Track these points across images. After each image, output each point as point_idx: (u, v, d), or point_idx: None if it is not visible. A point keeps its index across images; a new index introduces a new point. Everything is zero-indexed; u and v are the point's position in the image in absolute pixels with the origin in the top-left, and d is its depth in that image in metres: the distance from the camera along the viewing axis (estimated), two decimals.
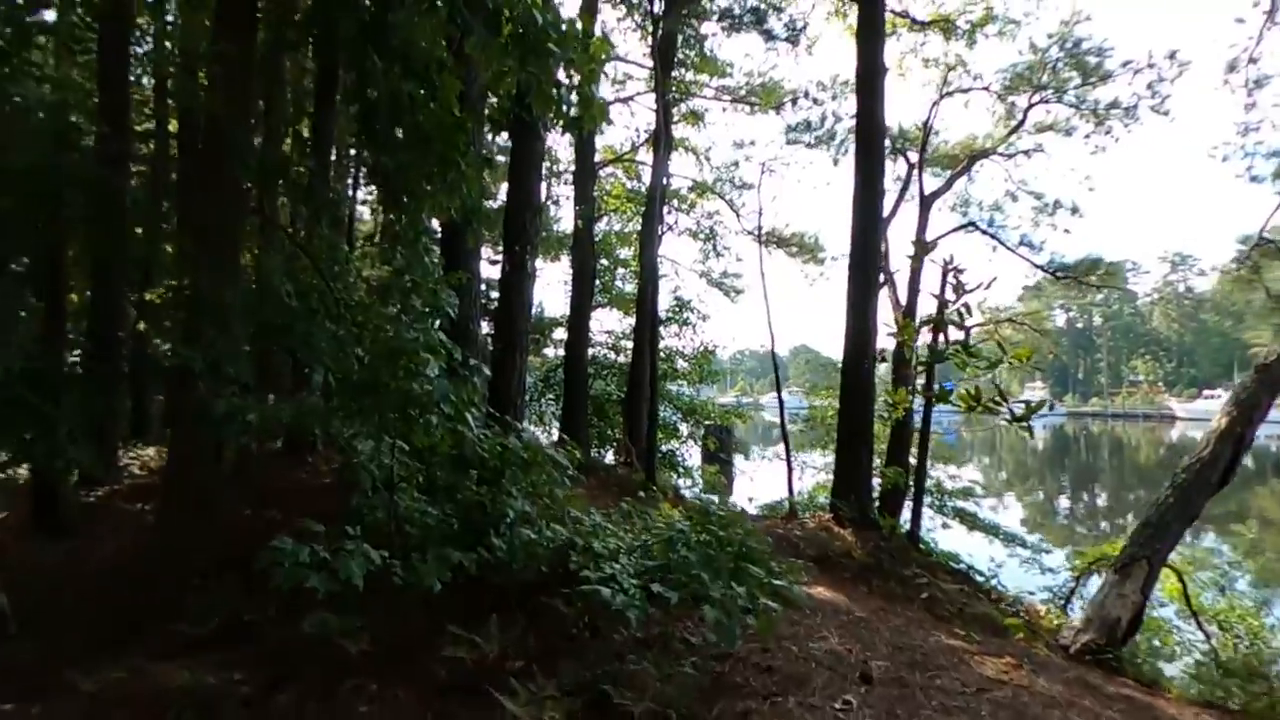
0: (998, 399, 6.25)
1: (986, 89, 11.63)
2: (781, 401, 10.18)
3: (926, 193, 10.92)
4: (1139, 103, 12.11)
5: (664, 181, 12.32)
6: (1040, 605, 7.06)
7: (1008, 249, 11.05)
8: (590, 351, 14.76)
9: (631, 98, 15.38)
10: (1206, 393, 73.20)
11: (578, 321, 12.94)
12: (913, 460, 8.99)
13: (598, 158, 14.52)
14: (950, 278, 6.73)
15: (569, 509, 4.19)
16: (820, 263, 16.72)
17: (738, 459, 18.62)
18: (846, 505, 7.41)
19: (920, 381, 7.61)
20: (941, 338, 6.71)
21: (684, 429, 16.04)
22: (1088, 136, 12.92)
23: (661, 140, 11.14)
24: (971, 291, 6.65)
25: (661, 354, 14.36)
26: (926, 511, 10.77)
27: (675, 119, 14.50)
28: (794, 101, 15.55)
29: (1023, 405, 6.30)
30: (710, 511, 3.97)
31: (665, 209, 13.24)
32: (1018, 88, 11.79)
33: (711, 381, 15.87)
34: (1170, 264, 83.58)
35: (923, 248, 6.80)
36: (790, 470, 9.47)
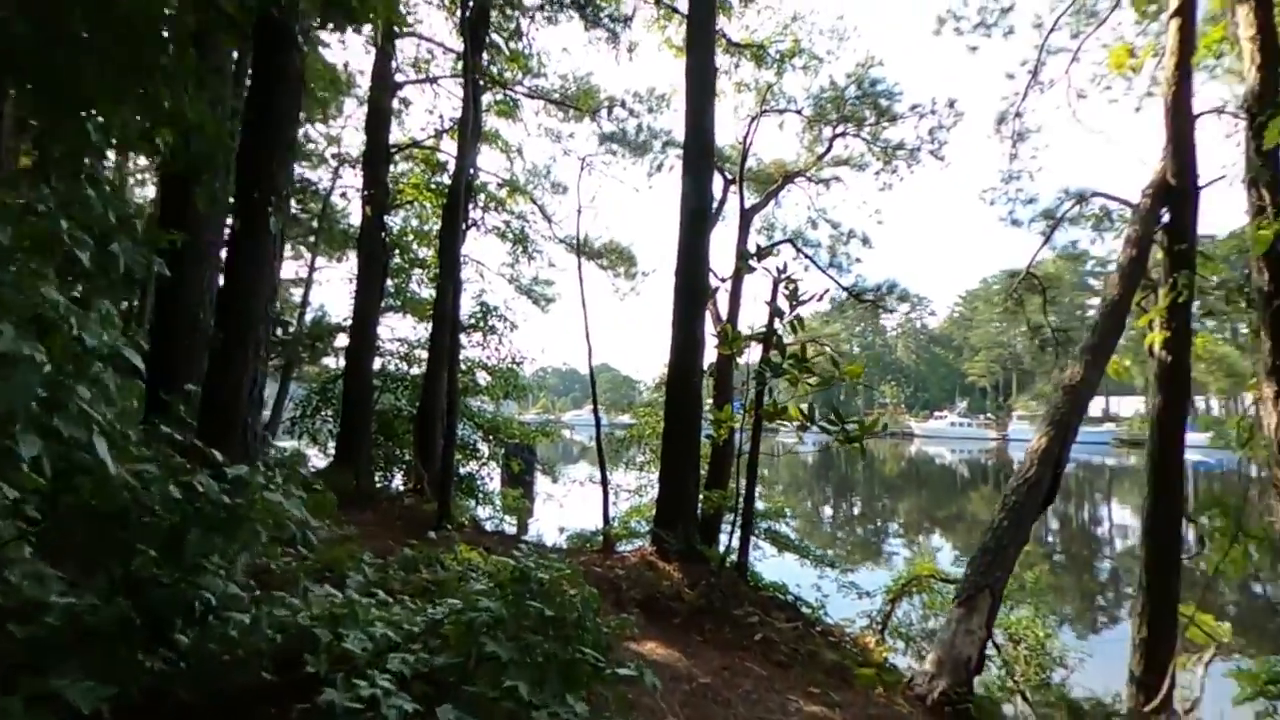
0: (833, 418, 5.83)
1: (799, 112, 11.93)
2: (598, 419, 9.24)
3: (746, 206, 10.85)
4: (921, 146, 13.17)
5: (471, 171, 10.92)
6: (865, 635, 6.76)
7: (819, 269, 11.36)
8: (379, 361, 12.79)
9: (435, 79, 13.75)
10: (937, 414, 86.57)
11: (363, 325, 10.99)
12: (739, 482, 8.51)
13: (394, 138, 12.70)
14: (784, 286, 6.28)
15: (305, 582, 2.76)
16: (632, 277, 16.27)
17: (545, 481, 17.41)
18: (672, 536, 6.61)
19: (749, 397, 7.13)
20: (773, 351, 6.18)
21: (484, 449, 14.51)
22: (877, 173, 13.87)
23: (469, 125, 9.80)
24: (805, 302, 6.23)
25: (462, 365, 12.82)
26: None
27: (486, 108, 13.16)
28: (610, 109, 15.02)
29: (855, 424, 5.90)
30: (529, 575, 2.78)
31: (472, 204, 11.81)
32: (824, 117, 12.29)
33: (516, 398, 14.57)
34: (910, 304, 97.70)
35: (747, 258, 6.29)
36: (607, 496, 8.52)
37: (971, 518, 35.69)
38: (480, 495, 13.55)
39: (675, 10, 12.13)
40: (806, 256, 11.45)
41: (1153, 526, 6.65)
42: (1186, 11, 7.41)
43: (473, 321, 12.54)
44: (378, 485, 11.29)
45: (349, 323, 11.68)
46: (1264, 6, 6.44)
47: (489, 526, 11.57)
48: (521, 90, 14.70)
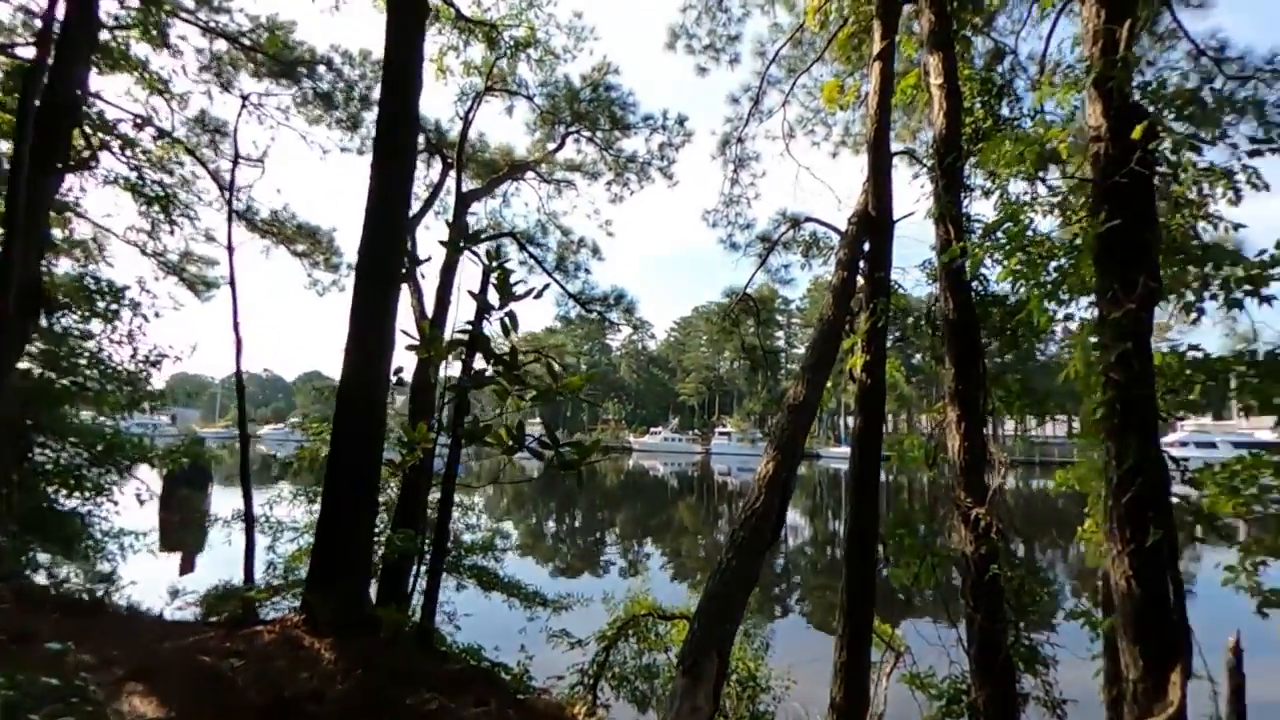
0: (545, 440, 4.68)
1: (530, 98, 10.88)
2: (245, 439, 6.94)
3: (464, 190, 9.41)
4: (651, 161, 13.05)
5: (79, 90, 7.78)
6: (574, 701, 5.70)
7: (544, 270, 10.33)
8: None
9: None
10: (652, 430, 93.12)
11: None
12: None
13: None
14: (495, 277, 5.00)
15: None
16: (335, 269, 13.73)
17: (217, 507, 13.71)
18: (325, 600, 4.85)
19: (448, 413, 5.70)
20: (480, 357, 4.86)
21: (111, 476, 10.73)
22: (609, 184, 13.46)
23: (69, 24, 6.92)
24: (520, 297, 5.02)
25: (58, 354, 9.26)
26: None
27: (115, 19, 9.81)
28: (311, 67, 12.47)
29: (572, 447, 4.79)
30: None
31: (78, 129, 8.46)
32: (557, 112, 11.45)
33: (160, 404, 10.98)
34: (634, 327, 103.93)
35: (457, 240, 4.94)
36: (252, 541, 6.33)
37: (679, 523, 38.87)
38: (83, 540, 9.90)
39: None
40: (531, 255, 10.39)
41: (851, 549, 6.70)
42: (886, 57, 7.93)
43: (68, 297, 9.05)
44: None
45: None
46: (949, 58, 7.03)
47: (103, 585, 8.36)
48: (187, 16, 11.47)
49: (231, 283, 6.71)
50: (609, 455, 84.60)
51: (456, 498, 9.54)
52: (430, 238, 11.33)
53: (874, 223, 7.54)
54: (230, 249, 6.98)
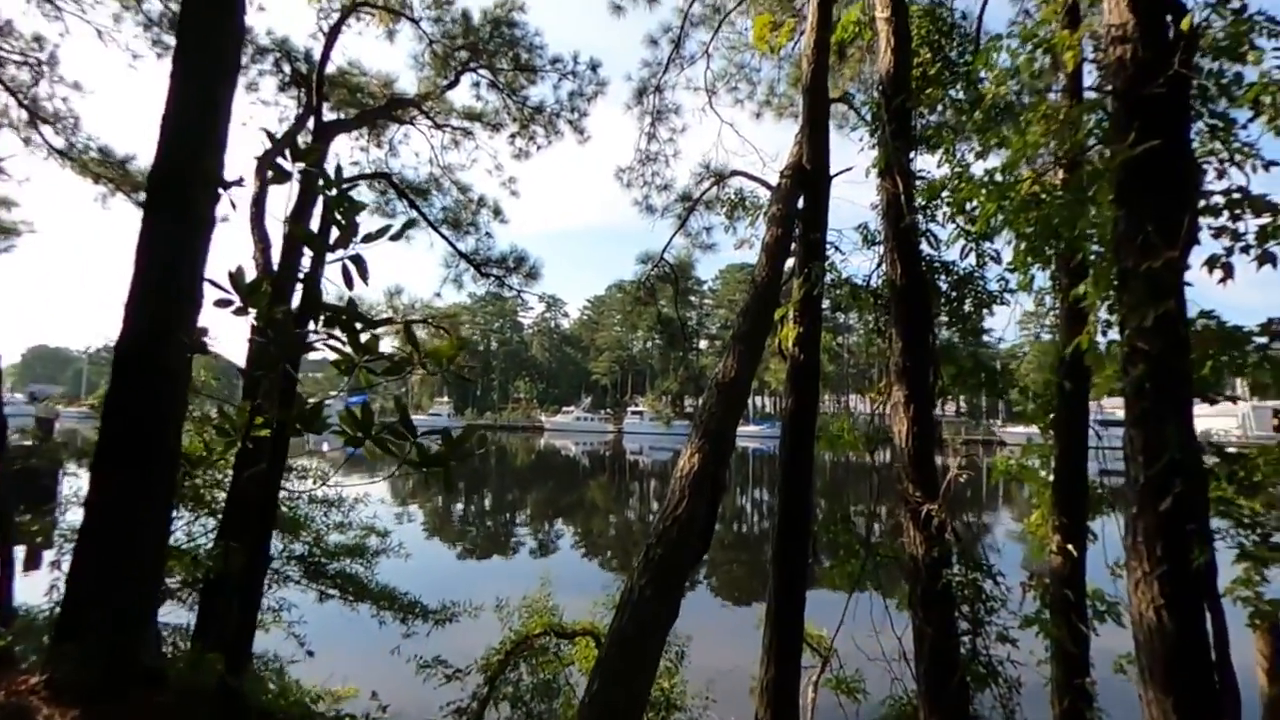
0: (401, 427, 3.44)
1: (415, 22, 9.25)
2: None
3: (326, 121, 7.76)
4: (561, 113, 11.68)
5: None
6: None
7: (429, 223, 8.82)
8: None
9: None
10: (565, 409, 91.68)
11: None
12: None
13: None
14: (340, 209, 3.66)
15: None
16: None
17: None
18: (77, 653, 3.42)
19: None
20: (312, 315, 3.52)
21: None
22: (513, 137, 11.99)
23: None
24: (374, 238, 3.71)
25: None
26: (294, 592, 7.36)
27: None
28: None
29: (439, 436, 3.51)
30: None
31: None
32: (452, 41, 9.87)
33: None
34: (546, 304, 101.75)
35: (277, 149, 3.55)
36: (9, 561, 4.72)
37: (590, 504, 38.52)
38: None
39: None
40: (411, 203, 8.85)
41: (781, 547, 5.82)
42: None
43: None
44: None
45: None
46: None
47: None
48: None
49: None
50: (522, 433, 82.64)
51: (325, 491, 8.06)
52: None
53: (809, 176, 6.63)
54: None
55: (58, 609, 5.96)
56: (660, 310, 9.40)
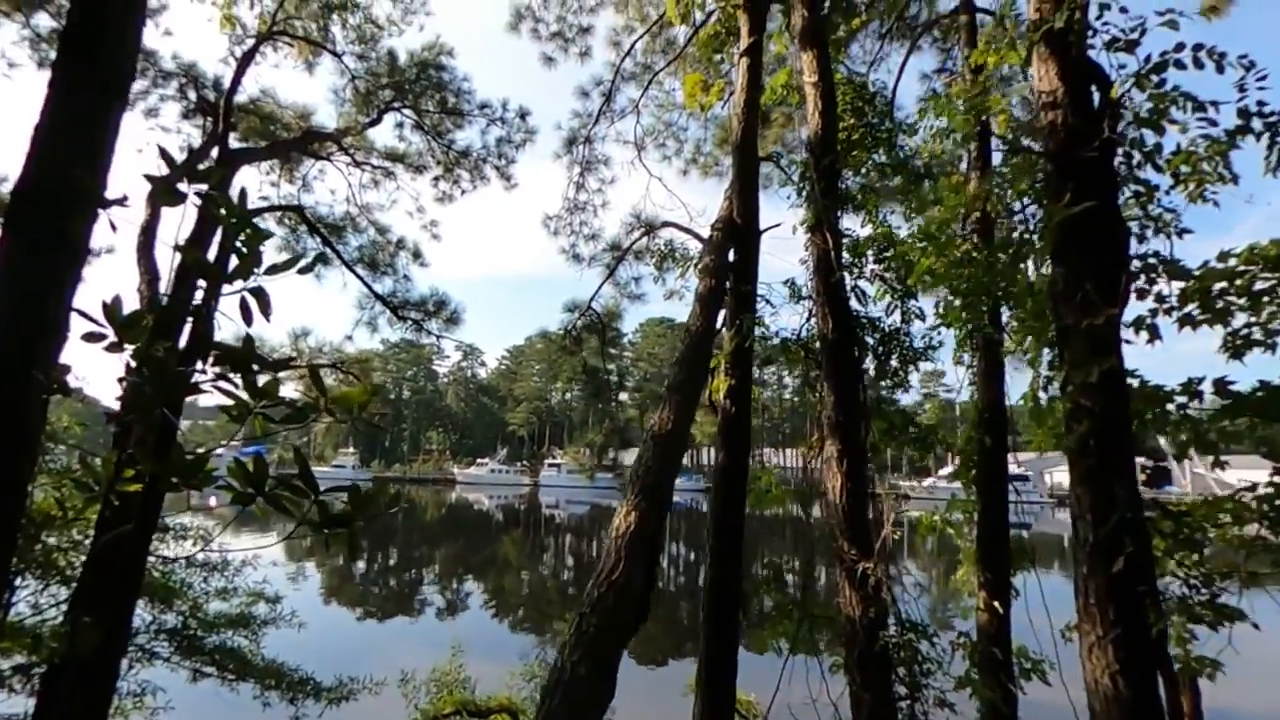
0: (301, 482, 3.00)
1: (338, 55, 8.91)
2: None
3: (233, 148, 7.20)
4: (488, 158, 11.51)
5: None
6: None
7: (341, 259, 8.28)
8: None
9: None
10: (479, 460, 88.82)
11: None
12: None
13: None
14: (241, 236, 3.27)
15: None
16: None
17: None
18: None
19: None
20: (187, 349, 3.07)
21: None
22: (437, 180, 11.69)
23: None
24: (280, 269, 3.33)
25: None
26: (161, 671, 6.42)
27: None
28: None
29: (344, 493, 3.07)
30: None
31: None
32: (376, 79, 9.57)
33: None
34: (463, 353, 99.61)
35: (172, 172, 3.14)
36: None
37: (503, 560, 37.13)
38: None
39: None
40: (323, 238, 8.32)
41: (712, 609, 5.56)
42: (754, 52, 7.21)
43: None
44: None
45: None
46: (823, 55, 6.41)
47: None
48: None
49: None
50: (432, 486, 79.06)
51: (208, 554, 7.17)
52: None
53: (740, 230, 6.68)
54: None
55: None
56: (585, 360, 9.15)
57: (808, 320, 6.35)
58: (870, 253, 6.31)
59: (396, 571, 34.30)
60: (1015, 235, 3.62)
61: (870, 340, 5.89)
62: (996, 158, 6.49)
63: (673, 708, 5.25)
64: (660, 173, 11.00)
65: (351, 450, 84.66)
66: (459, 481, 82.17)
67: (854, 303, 5.85)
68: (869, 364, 5.79)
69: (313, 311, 10.25)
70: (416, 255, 11.14)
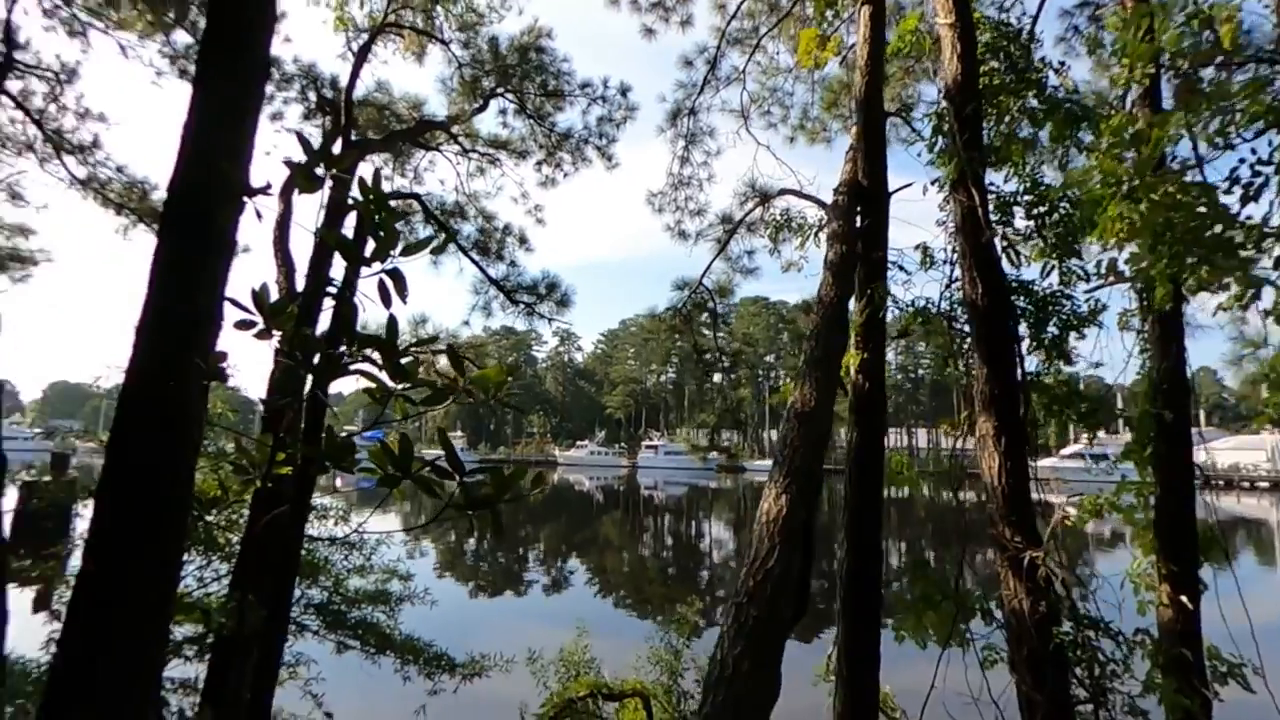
0: (446, 464, 2.93)
1: (445, 43, 9.04)
2: None
3: (354, 141, 7.49)
4: (589, 139, 11.42)
5: None
6: None
7: (459, 246, 8.47)
8: None
9: None
10: (579, 443, 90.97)
11: None
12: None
13: None
14: (377, 217, 3.23)
15: None
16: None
17: None
18: None
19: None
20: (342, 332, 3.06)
21: None
22: (539, 165, 11.73)
23: None
24: (415, 249, 3.26)
25: None
26: (310, 643, 6.78)
27: None
28: None
29: (487, 475, 2.96)
30: None
31: None
32: (481, 66, 9.65)
33: None
34: (560, 338, 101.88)
35: (310, 158, 3.13)
36: (4, 616, 4.20)
37: (604, 539, 37.99)
38: None
39: None
40: (442, 225, 8.50)
41: (853, 602, 5.22)
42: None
43: None
44: None
45: None
46: None
47: None
48: None
49: None
50: (533, 469, 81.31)
51: (330, 527, 7.48)
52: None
53: (866, 193, 6.20)
54: None
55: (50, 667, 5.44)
56: (695, 339, 8.92)
57: (948, 287, 5.82)
58: (1019, 209, 5.68)
59: (504, 550, 35.70)
60: (1238, 171, 3.04)
61: (1024, 306, 5.30)
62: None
63: (792, 689, 4.97)
64: (766, 141, 10.50)
65: (460, 434, 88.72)
66: (560, 463, 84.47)
67: (1007, 265, 5.27)
68: (1023, 332, 5.21)
69: (421, 301, 10.58)
70: (523, 241, 11.25)
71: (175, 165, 4.10)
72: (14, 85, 8.63)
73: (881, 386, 5.77)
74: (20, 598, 5.80)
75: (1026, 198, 5.63)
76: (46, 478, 21.09)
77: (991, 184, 5.97)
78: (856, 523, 5.44)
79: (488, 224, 11.12)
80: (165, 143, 4.28)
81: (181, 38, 10.10)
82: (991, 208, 5.59)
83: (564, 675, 6.43)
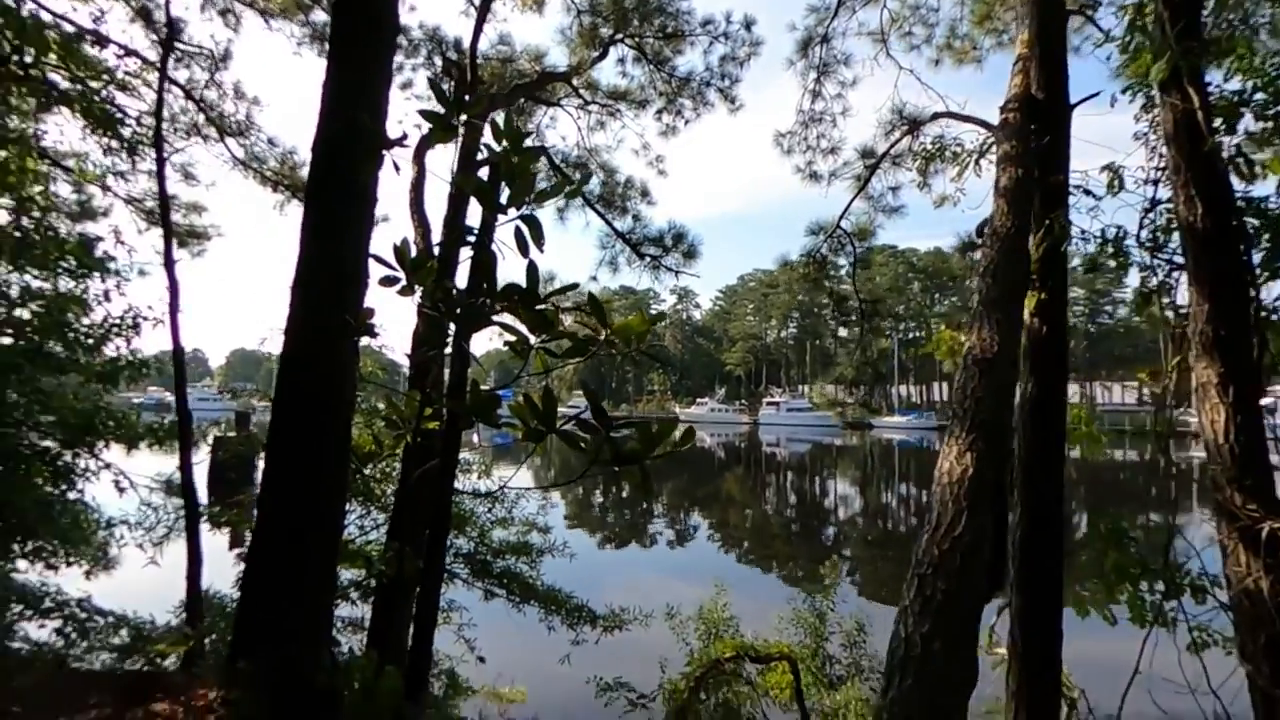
0: (592, 419, 2.74)
1: None
2: (184, 414, 5.22)
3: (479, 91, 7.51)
4: (711, 81, 10.86)
5: None
6: None
7: (586, 202, 8.38)
8: None
9: None
10: (699, 400, 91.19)
11: None
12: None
13: None
14: (505, 160, 3.04)
15: None
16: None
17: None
18: (254, 671, 3.09)
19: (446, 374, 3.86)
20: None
21: (84, 461, 9.21)
22: (660, 114, 11.33)
23: None
24: (549, 195, 3.04)
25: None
26: (459, 590, 7.10)
27: None
28: None
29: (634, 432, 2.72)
30: None
31: None
32: (599, 11, 9.35)
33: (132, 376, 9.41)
34: (678, 296, 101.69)
35: (445, 107, 2.98)
36: (197, 557, 4.64)
37: (726, 496, 38.12)
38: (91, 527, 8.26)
39: None
40: (563, 175, 8.39)
41: (1029, 575, 4.65)
42: None
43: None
44: None
45: None
46: None
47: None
48: None
49: (163, 205, 4.98)
50: (656, 424, 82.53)
51: (474, 481, 7.73)
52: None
53: (1042, 108, 5.34)
54: (160, 161, 5.22)
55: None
56: (833, 288, 8.33)
57: (1148, 211, 4.91)
58: (1248, 111, 4.65)
59: (630, 504, 36.64)
60: None
61: (1256, 227, 4.36)
62: None
63: None
64: (909, 65, 9.46)
65: (576, 394, 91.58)
66: (681, 420, 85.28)
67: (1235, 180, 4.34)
68: (1256, 260, 4.29)
69: (548, 260, 10.64)
70: (645, 194, 10.98)
71: (317, 124, 4.16)
72: (180, 75, 9.39)
73: (1064, 329, 5.03)
74: (214, 541, 6.53)
75: (1259, 96, 4.60)
76: (232, 433, 23.95)
77: (1211, 83, 4.94)
78: (1033, 485, 4.82)
79: (609, 178, 10.94)
80: (307, 116, 4.36)
81: (319, 16, 10.55)
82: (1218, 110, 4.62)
83: (704, 633, 6.35)
